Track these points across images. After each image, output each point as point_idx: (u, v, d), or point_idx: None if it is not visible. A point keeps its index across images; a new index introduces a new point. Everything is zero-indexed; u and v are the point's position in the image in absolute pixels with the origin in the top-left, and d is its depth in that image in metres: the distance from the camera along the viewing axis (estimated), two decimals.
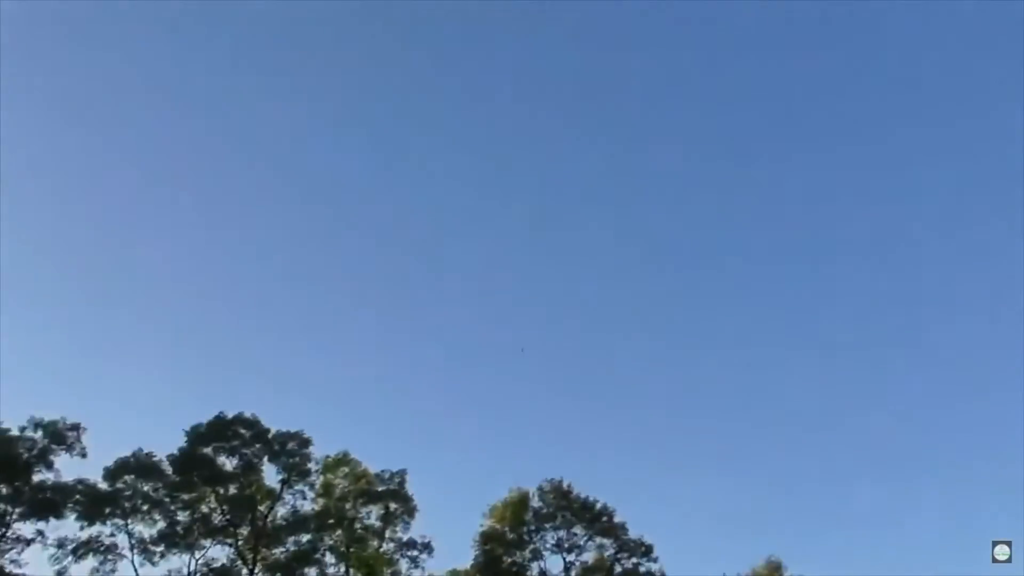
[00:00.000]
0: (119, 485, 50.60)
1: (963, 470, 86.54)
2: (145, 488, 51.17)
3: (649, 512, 79.65)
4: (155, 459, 51.73)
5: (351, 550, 54.03)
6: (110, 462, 50.75)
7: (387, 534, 54.90)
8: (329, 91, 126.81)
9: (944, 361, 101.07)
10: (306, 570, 53.13)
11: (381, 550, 54.65)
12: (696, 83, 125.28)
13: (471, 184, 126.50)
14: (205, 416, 52.92)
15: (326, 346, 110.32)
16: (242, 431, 52.69)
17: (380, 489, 55.01)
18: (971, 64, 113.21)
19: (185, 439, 52.07)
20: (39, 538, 47.97)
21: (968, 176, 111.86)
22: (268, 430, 53.20)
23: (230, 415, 52.94)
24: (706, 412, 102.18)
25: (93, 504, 49.43)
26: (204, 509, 52.35)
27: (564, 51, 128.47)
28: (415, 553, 54.51)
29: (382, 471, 55.35)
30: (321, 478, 54.64)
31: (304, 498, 53.99)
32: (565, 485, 56.65)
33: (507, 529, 55.95)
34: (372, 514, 55.01)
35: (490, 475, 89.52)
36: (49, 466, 48.67)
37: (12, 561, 47.05)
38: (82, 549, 48.87)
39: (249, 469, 52.94)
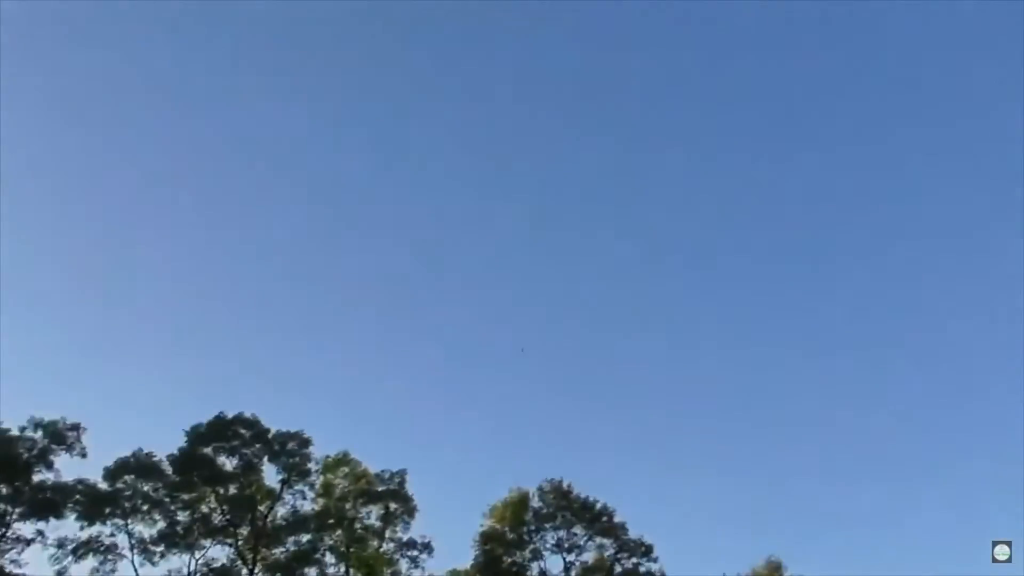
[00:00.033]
0: (119, 485, 50.60)
1: (963, 470, 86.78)
2: (145, 488, 51.17)
3: (649, 512, 79.94)
4: (155, 459, 51.74)
5: (351, 550, 54.03)
6: (110, 462, 50.87)
7: (387, 534, 54.92)
8: (328, 91, 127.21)
9: (944, 361, 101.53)
10: (306, 570, 53.14)
11: (381, 550, 54.64)
12: (696, 83, 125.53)
13: (471, 184, 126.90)
14: (205, 416, 53.09)
15: (326, 346, 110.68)
16: (242, 431, 52.70)
17: (380, 489, 55.01)
18: (971, 64, 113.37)
19: (185, 439, 52.12)
20: (39, 538, 48.07)
21: (968, 176, 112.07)
22: (268, 430, 53.22)
23: (230, 415, 53.01)
24: (706, 412, 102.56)
25: (93, 504, 49.43)
26: (204, 509, 52.35)
27: (564, 51, 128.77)
28: (415, 553, 54.59)
29: (382, 471, 55.45)
30: (321, 478, 54.67)
31: (304, 498, 54.12)
32: (565, 485, 56.72)
33: (507, 529, 55.95)
34: (372, 514, 55.06)
35: (490, 475, 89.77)
36: (49, 466, 48.70)
37: (12, 561, 47.09)
38: (82, 549, 48.88)
39: (249, 469, 52.93)
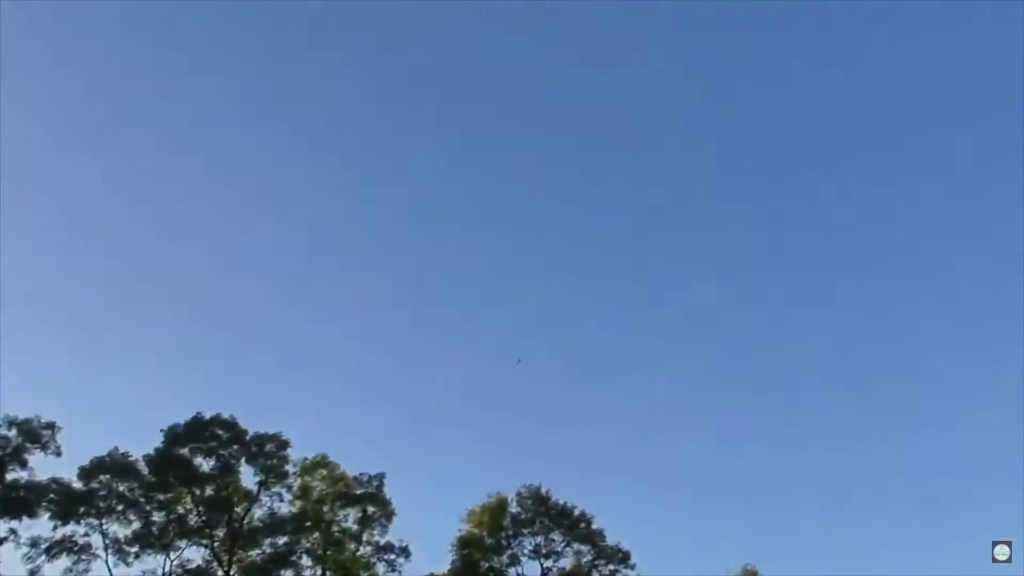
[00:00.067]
0: (94, 485, 50.28)
1: (963, 470, 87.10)
2: (120, 488, 50.86)
3: (627, 519, 79.86)
4: (131, 459, 51.48)
5: (328, 553, 53.82)
6: (85, 461, 50.57)
7: (364, 537, 54.76)
8: (301, 96, 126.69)
9: (944, 361, 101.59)
10: (282, 572, 52.91)
11: (358, 553, 54.46)
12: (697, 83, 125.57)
13: (456, 190, 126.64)
14: (182, 417, 52.81)
15: (304, 349, 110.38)
16: (219, 432, 52.43)
17: (358, 492, 54.82)
18: (971, 65, 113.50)
19: (162, 439, 51.85)
20: (12, 537, 47.69)
21: (968, 175, 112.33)
22: (246, 431, 52.97)
23: (208, 416, 52.70)
24: (690, 418, 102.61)
25: (67, 503, 49.09)
26: (180, 510, 52.13)
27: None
28: (392, 557, 54.39)
29: (360, 474, 55.31)
30: (299, 480, 54.43)
31: (281, 500, 53.95)
32: (544, 491, 56.70)
33: (485, 534, 55.87)
34: (350, 517, 54.92)
35: (469, 480, 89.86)
36: (23, 464, 48.33)
37: None
38: (56, 548, 48.52)
39: (226, 470, 52.64)
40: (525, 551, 55.91)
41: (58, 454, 49.29)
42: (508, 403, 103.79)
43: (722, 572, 59.14)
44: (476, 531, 55.88)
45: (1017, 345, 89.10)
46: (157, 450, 51.61)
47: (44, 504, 48.57)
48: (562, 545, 55.95)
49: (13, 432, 48.20)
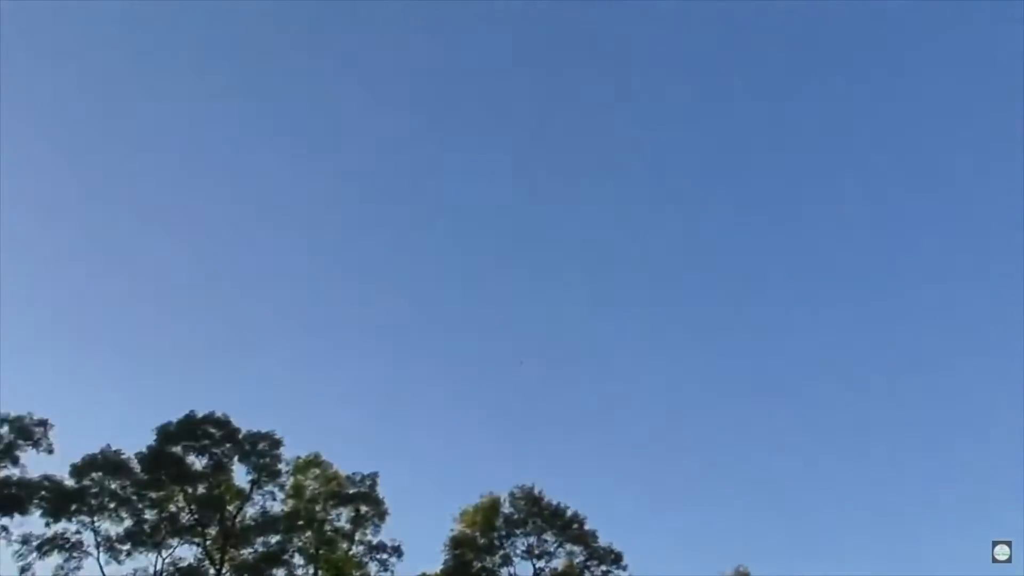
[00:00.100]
0: (86, 482, 50.12)
1: (963, 470, 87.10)
2: (112, 486, 50.71)
3: (619, 520, 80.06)
4: (123, 457, 51.35)
5: (320, 552, 53.79)
6: (77, 459, 50.45)
7: (357, 537, 54.69)
8: (299, 98, 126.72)
9: (944, 360, 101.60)
10: (274, 571, 52.74)
11: (350, 553, 54.45)
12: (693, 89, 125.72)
13: (454, 191, 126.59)
14: (175, 415, 52.71)
15: (299, 348, 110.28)
16: (212, 430, 52.32)
17: (351, 491, 54.79)
18: (971, 65, 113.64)
19: (155, 437, 51.77)
20: (3, 534, 47.47)
21: (968, 175, 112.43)
22: (238, 430, 52.87)
23: (200, 414, 52.64)
24: (683, 418, 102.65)
25: (59, 501, 48.96)
26: (172, 508, 51.96)
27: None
28: (385, 556, 54.29)
29: (353, 473, 55.22)
30: (291, 479, 54.34)
31: (274, 499, 53.78)
32: (536, 491, 56.66)
33: (478, 534, 55.81)
34: (342, 516, 54.82)
35: (462, 480, 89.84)
36: (15, 461, 48.18)
37: None
38: (47, 546, 48.37)
39: (219, 469, 52.56)
40: (518, 551, 55.93)
41: (50, 451, 49.24)
42: (501, 403, 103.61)
43: (714, 573, 59.04)
44: (469, 531, 55.83)
45: (1017, 345, 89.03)
46: (149, 448, 51.48)
47: (36, 501, 48.40)
48: (555, 546, 55.97)
49: (5, 429, 48.04)
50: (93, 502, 49.97)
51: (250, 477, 53.17)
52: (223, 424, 52.68)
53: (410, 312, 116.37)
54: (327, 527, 54.19)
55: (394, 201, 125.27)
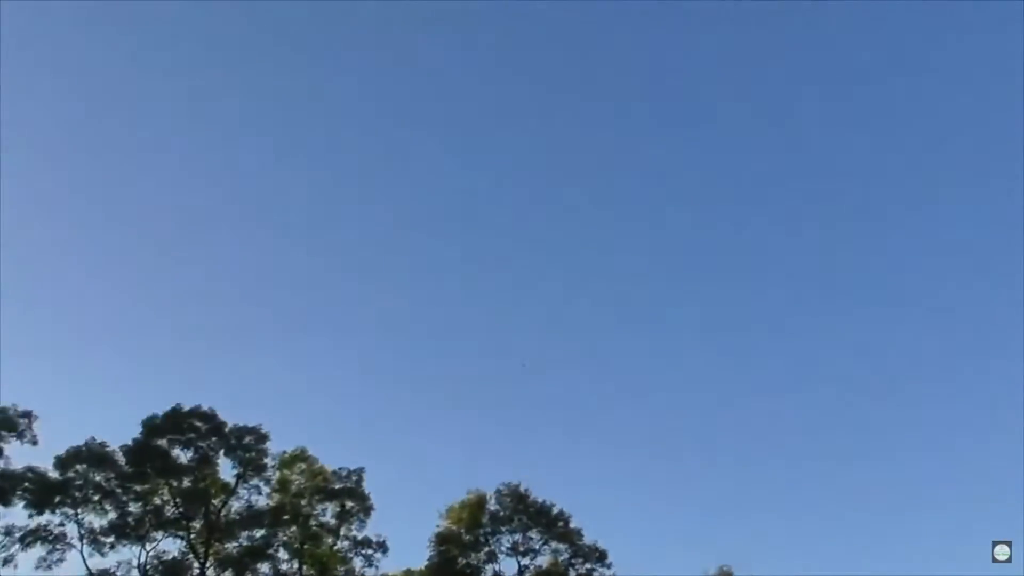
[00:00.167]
0: (70, 474, 49.91)
1: (963, 470, 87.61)
2: (97, 478, 50.52)
3: (604, 519, 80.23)
4: (108, 449, 51.13)
5: (305, 547, 53.72)
6: (62, 451, 50.25)
7: (342, 532, 54.65)
8: (298, 98, 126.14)
9: (944, 360, 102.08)
10: (259, 566, 52.77)
11: (335, 548, 54.41)
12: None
13: (452, 192, 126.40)
14: (161, 408, 52.53)
15: (286, 343, 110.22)
16: (198, 424, 52.18)
17: (337, 487, 54.70)
18: (971, 65, 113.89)
19: (140, 430, 51.59)
20: None
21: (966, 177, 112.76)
22: (224, 424, 52.74)
23: (187, 408, 52.43)
24: (670, 419, 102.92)
25: (42, 492, 48.77)
26: (157, 501, 51.80)
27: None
28: (370, 552, 54.36)
29: (339, 469, 55.12)
30: (277, 474, 54.22)
31: (259, 493, 53.72)
32: (523, 489, 56.73)
33: (463, 531, 55.87)
34: (328, 511, 54.75)
35: (448, 477, 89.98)
36: None
37: None
38: (30, 538, 48.17)
39: (204, 462, 52.38)
40: (503, 548, 56.04)
41: (34, 443, 49.08)
42: (488, 402, 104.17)
43: (699, 572, 59.22)
44: (454, 527, 55.88)
45: (1017, 346, 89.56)
46: (135, 441, 51.31)
47: (19, 493, 48.26)
48: (540, 543, 56.08)
49: None
50: (77, 494, 49.77)
51: (235, 471, 53.13)
52: (209, 418, 52.54)
53: (399, 310, 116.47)
54: (312, 522, 54.11)
55: (388, 199, 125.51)
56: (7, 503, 47.87)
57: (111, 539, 50.06)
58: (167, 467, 51.42)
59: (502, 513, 56.31)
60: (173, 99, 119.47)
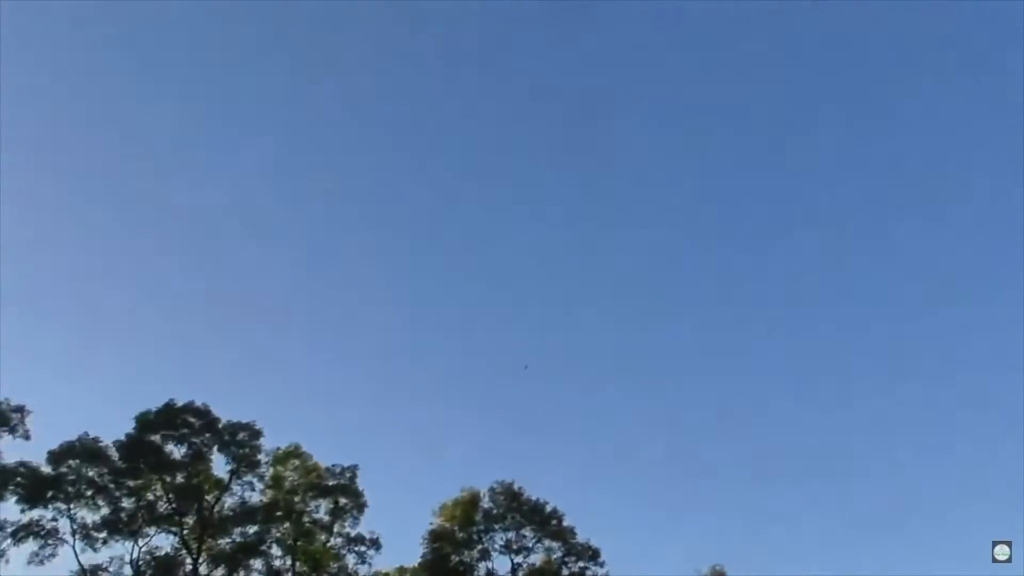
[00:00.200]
0: (63, 469, 49.75)
1: (963, 470, 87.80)
2: (90, 473, 50.36)
3: (597, 518, 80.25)
4: (101, 444, 50.95)
5: (298, 543, 53.72)
6: (54, 446, 50.08)
7: (335, 529, 54.68)
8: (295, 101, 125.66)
9: (943, 360, 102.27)
10: (251, 562, 52.78)
11: (328, 544, 54.41)
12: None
13: (448, 193, 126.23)
14: (155, 404, 52.38)
15: (281, 340, 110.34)
16: (192, 420, 52.07)
17: (330, 483, 54.70)
18: (971, 66, 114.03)
19: (134, 425, 51.42)
20: None
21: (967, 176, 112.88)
22: (218, 420, 52.64)
23: (180, 403, 52.31)
24: (663, 418, 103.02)
25: (35, 487, 48.63)
26: (150, 497, 51.68)
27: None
28: (363, 549, 54.37)
29: (333, 465, 55.12)
30: (271, 470, 54.18)
31: (253, 489, 53.66)
32: (516, 487, 56.80)
33: (457, 528, 55.92)
34: (321, 508, 54.80)
35: (442, 475, 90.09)
36: None
37: None
38: (22, 532, 48.05)
39: (198, 458, 52.29)
40: (496, 546, 56.10)
41: (27, 438, 49.16)
42: (483, 401, 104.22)
43: (691, 572, 59.38)
44: (448, 525, 55.94)
45: (1017, 346, 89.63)
46: (128, 436, 51.15)
47: (11, 488, 48.08)
48: (533, 541, 56.17)
49: None
50: (70, 489, 49.60)
51: (229, 467, 52.99)
52: (203, 414, 52.43)
53: (396, 309, 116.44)
54: (305, 518, 54.09)
55: (385, 200, 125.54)
56: None
57: (104, 534, 49.92)
58: (160, 463, 51.30)
59: (495, 511, 56.38)
60: (173, 99, 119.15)
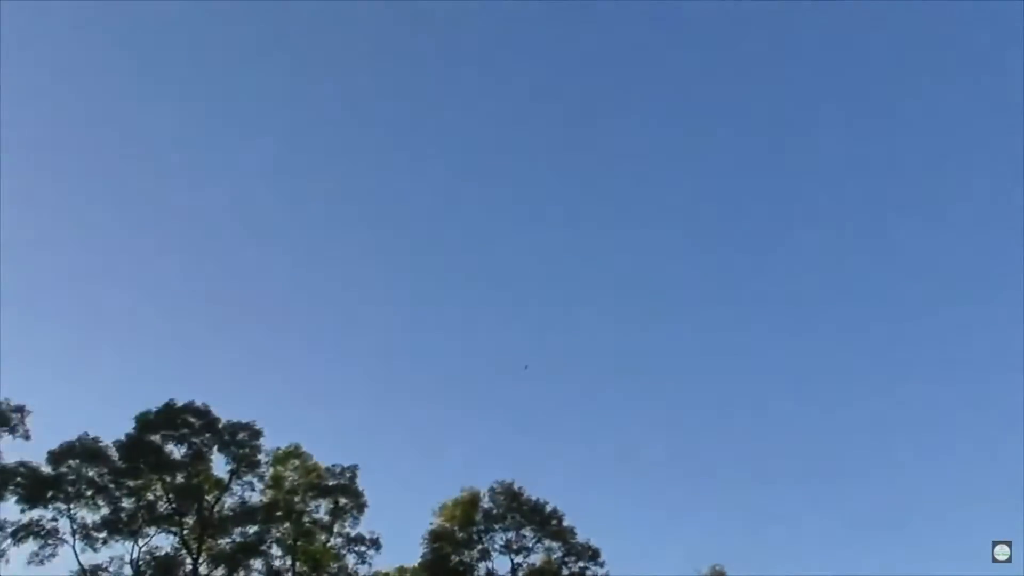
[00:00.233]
0: (63, 469, 49.73)
1: (963, 470, 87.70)
2: (90, 473, 50.34)
3: (597, 518, 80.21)
4: (101, 444, 50.93)
5: (298, 543, 53.71)
6: (54, 446, 50.06)
7: (335, 529, 54.67)
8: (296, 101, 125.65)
9: (943, 360, 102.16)
10: (251, 562, 52.76)
11: (328, 544, 54.39)
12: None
13: (447, 193, 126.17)
14: (155, 404, 52.37)
15: (281, 340, 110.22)
16: (192, 420, 52.06)
17: (330, 483, 54.69)
18: (971, 66, 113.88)
19: (134, 426, 51.41)
20: None
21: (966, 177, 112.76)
22: (218, 420, 52.63)
23: (180, 403, 52.29)
24: (663, 418, 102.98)
25: (35, 487, 48.62)
26: (150, 497, 51.67)
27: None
28: (363, 549, 54.37)
29: (333, 465, 55.10)
30: (271, 470, 54.17)
31: (253, 489, 53.65)
32: (516, 487, 56.78)
33: (457, 528, 55.91)
34: (321, 508, 54.79)
35: (442, 475, 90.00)
36: None
37: None
38: (22, 532, 48.04)
39: (198, 458, 52.28)
40: (496, 546, 56.09)
41: (27, 438, 49.16)
42: (484, 400, 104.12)
43: (691, 572, 59.36)
44: (448, 525, 55.92)
45: (1017, 346, 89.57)
46: (128, 436, 51.14)
47: (11, 488, 48.07)
48: (533, 541, 56.15)
49: None
50: (70, 489, 49.58)
51: (229, 467, 52.98)
52: (203, 414, 52.41)
53: (394, 308, 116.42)
54: (305, 518, 54.07)
55: (384, 200, 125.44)
56: None
57: (104, 534, 49.91)
58: (160, 463, 51.29)
59: (495, 511, 56.37)
60: (173, 99, 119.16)
